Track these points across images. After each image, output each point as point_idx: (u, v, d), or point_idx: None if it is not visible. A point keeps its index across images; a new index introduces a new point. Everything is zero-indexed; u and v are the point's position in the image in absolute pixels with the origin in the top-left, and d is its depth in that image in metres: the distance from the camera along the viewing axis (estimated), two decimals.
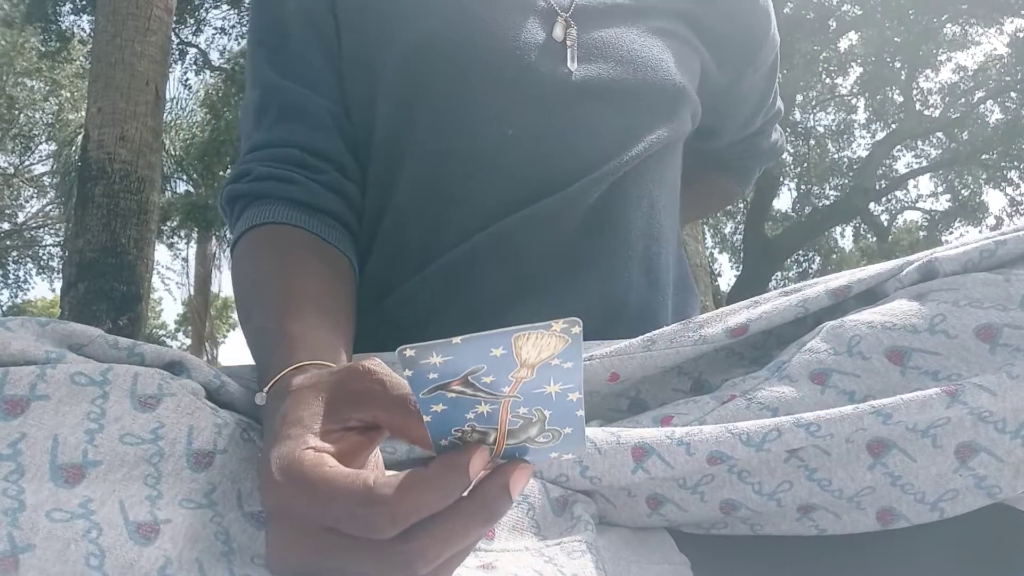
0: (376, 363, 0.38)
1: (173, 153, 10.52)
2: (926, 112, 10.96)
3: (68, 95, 11.84)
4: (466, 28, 0.67)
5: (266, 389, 0.43)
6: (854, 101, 12.14)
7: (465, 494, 0.33)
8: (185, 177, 11.25)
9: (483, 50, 0.67)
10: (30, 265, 14.05)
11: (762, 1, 0.81)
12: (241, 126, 0.74)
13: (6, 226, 13.89)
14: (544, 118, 0.67)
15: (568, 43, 0.69)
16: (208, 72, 11.59)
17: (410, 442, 0.36)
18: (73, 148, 9.30)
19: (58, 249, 13.46)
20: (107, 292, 3.49)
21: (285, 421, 0.37)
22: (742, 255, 11.01)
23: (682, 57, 0.75)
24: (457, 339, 0.29)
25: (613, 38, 0.71)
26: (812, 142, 12.55)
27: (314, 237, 0.64)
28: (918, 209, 13.48)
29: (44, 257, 14.06)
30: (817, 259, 13.79)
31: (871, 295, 0.54)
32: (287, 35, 0.72)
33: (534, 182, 0.67)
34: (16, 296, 14.30)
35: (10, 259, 13.84)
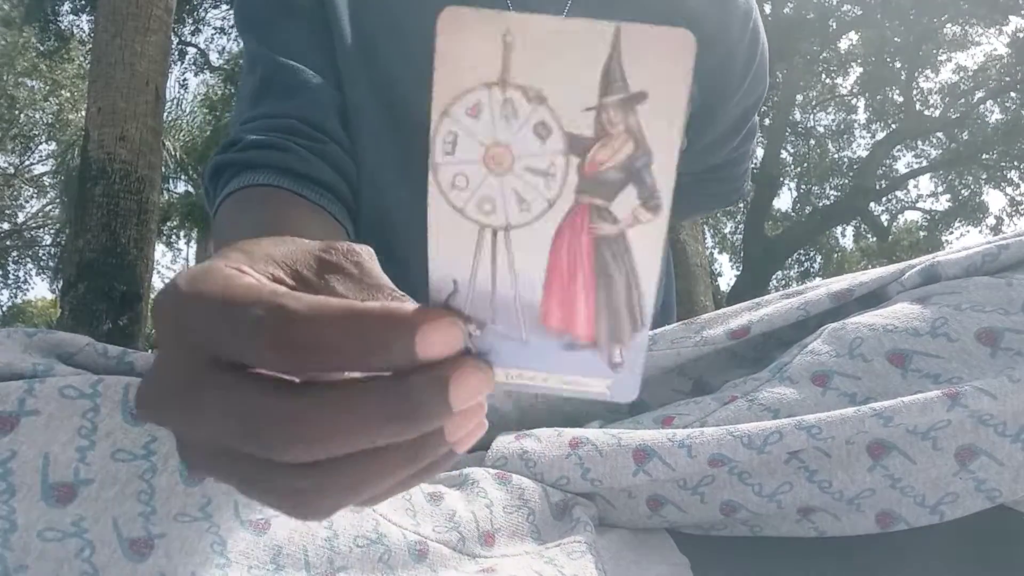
0: (358, 247, 0.30)
1: (173, 153, 10.52)
2: (926, 112, 10.97)
3: (68, 95, 11.85)
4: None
5: None
6: (854, 101, 12.15)
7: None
8: (185, 177, 11.25)
9: None
10: (30, 265, 14.06)
11: (751, 36, 0.76)
12: (235, 113, 0.68)
13: (6, 226, 13.88)
14: None
15: None
16: (208, 72, 11.60)
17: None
18: (75, 151, 9.31)
19: (58, 249, 13.47)
20: (107, 292, 3.49)
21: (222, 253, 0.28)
22: (742, 255, 11.01)
23: None
24: None
25: None
26: (812, 142, 12.56)
27: (309, 203, 0.56)
28: (918, 209, 13.48)
29: (44, 257, 14.07)
30: (818, 258, 13.80)
31: (873, 298, 0.54)
32: (278, 26, 0.67)
33: None
34: (16, 296, 14.32)
35: (10, 259, 13.84)
